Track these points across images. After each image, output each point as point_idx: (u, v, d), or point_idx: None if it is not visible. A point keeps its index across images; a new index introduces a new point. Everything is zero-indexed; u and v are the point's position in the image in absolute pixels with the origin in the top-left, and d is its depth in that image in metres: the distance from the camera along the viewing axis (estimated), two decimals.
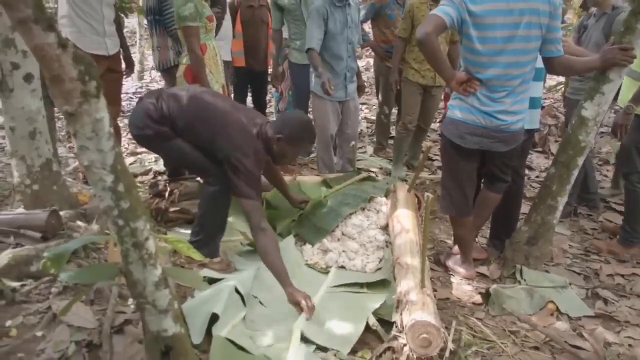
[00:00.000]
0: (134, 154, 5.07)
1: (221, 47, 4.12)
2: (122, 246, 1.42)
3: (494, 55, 2.30)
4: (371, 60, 7.06)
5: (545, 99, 6.82)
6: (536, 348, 2.23)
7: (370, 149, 5.12)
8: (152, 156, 4.76)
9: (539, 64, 2.50)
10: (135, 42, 9.73)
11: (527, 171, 4.94)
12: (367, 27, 5.32)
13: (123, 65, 3.88)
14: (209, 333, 1.94)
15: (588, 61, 2.52)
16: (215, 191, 2.51)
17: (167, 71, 4.08)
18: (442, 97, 4.67)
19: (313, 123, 3.95)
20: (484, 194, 2.79)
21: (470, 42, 2.31)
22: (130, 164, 4.69)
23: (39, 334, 1.82)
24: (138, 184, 3.79)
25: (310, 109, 4.27)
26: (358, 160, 4.36)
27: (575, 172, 2.68)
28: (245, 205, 2.33)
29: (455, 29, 2.32)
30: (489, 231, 3.18)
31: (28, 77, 2.63)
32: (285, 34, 4.42)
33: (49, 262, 1.44)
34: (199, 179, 3.04)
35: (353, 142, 3.42)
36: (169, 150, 2.57)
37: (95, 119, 1.29)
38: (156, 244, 1.47)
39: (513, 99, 2.38)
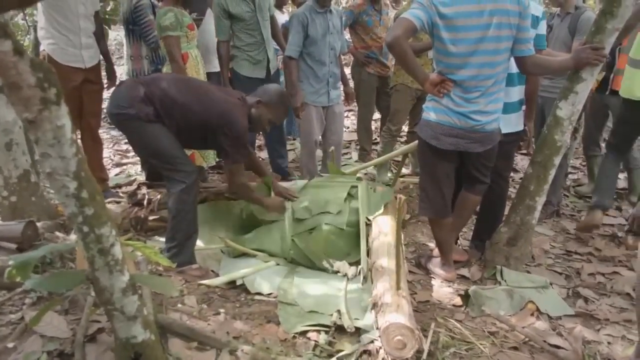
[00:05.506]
0: (119, 165, 5.07)
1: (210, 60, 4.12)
2: (88, 253, 1.41)
3: (466, 56, 2.32)
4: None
5: None
6: (515, 348, 2.22)
7: (355, 155, 5.13)
8: (137, 167, 4.76)
9: (513, 69, 2.53)
10: (123, 54, 9.71)
11: (511, 173, 4.96)
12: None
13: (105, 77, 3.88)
14: None
15: (561, 61, 2.56)
16: (182, 190, 2.50)
17: None
18: None
19: (298, 129, 3.96)
20: (463, 196, 2.79)
21: (442, 44, 2.32)
22: (116, 174, 4.69)
23: (11, 345, 1.80)
24: (121, 195, 3.78)
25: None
26: (343, 165, 4.37)
27: (553, 172, 2.70)
28: (232, 167, 2.66)
29: (426, 32, 2.33)
30: (470, 234, 3.19)
31: (2, 88, 2.62)
32: None
33: (14, 270, 1.43)
34: None
35: (332, 148, 3.43)
36: (144, 134, 2.53)
37: (56, 126, 1.28)
38: (123, 250, 1.47)
39: (487, 99, 2.40)
